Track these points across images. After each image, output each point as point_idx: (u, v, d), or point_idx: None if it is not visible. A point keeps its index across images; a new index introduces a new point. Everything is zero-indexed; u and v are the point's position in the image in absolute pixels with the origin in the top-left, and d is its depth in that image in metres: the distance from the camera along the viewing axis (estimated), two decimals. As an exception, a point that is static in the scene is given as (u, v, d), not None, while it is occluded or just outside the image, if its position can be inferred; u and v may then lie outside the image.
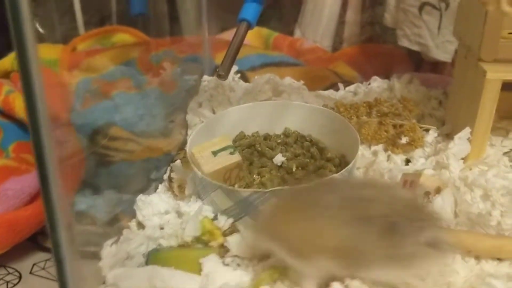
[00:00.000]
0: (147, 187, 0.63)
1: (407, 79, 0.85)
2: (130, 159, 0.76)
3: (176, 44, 1.04)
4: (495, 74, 0.62)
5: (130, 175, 0.70)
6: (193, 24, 1.01)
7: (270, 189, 0.51)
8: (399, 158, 0.68)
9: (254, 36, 1.14)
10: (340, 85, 0.87)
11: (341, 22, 1.22)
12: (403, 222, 0.41)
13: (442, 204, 0.56)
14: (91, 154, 0.73)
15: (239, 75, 0.90)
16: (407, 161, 0.69)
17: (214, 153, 0.56)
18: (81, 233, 0.48)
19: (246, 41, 1.18)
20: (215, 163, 0.55)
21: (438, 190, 0.58)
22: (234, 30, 0.90)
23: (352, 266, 0.42)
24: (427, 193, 0.58)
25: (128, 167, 0.74)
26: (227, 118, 0.66)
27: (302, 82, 0.86)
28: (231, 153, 0.56)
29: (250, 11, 0.78)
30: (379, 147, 0.70)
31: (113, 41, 1.18)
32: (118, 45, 1.12)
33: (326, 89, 0.88)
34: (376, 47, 1.12)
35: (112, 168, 0.72)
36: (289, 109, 0.69)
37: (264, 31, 1.12)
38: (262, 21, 1.21)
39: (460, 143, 0.66)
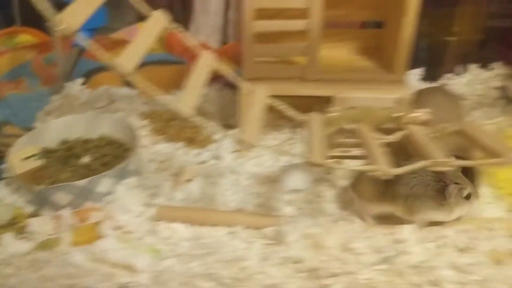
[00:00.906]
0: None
1: (219, 85, 1.06)
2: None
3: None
4: (246, 90, 0.84)
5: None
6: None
7: (54, 185, 0.71)
8: (193, 152, 0.90)
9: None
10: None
11: (226, 20, 1.39)
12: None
13: (195, 189, 0.78)
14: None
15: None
16: (198, 155, 0.90)
17: (24, 159, 0.76)
18: None
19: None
20: (23, 167, 0.75)
21: (192, 178, 0.80)
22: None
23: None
24: (187, 180, 0.80)
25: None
26: (50, 128, 0.86)
27: (137, 91, 1.05)
28: (36, 159, 0.76)
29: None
30: (180, 145, 0.91)
31: (16, 42, 1.32)
32: (19, 47, 1.27)
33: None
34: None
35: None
36: (102, 119, 0.89)
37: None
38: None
39: (231, 140, 0.88)
